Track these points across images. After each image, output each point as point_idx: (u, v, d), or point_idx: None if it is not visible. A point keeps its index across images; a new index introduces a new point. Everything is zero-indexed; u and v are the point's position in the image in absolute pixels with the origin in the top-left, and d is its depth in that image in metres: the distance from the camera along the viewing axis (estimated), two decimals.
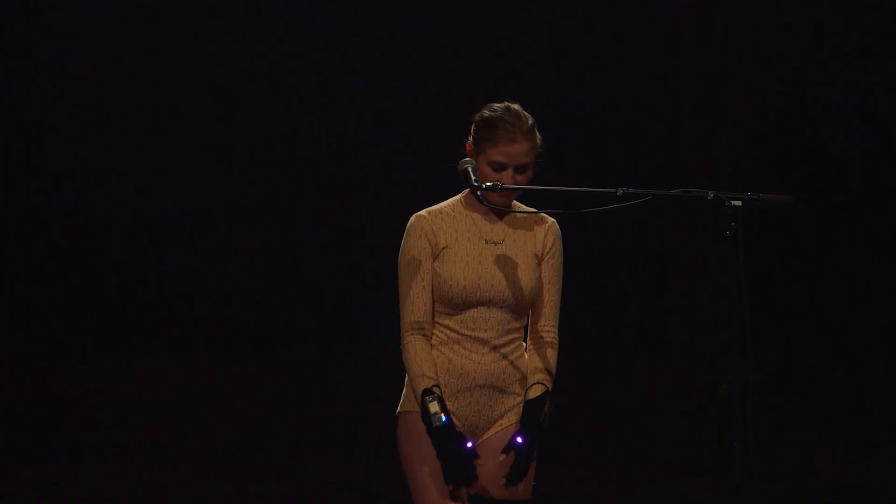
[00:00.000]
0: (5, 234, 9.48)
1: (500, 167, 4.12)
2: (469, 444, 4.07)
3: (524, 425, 4.14)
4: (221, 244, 9.65)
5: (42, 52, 9.43)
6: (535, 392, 4.21)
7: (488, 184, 4.11)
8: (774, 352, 9.33)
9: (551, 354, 4.25)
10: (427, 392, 4.09)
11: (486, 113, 4.17)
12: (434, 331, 4.19)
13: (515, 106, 4.19)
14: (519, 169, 4.13)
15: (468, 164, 4.13)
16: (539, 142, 4.20)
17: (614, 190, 4.09)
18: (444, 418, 4.06)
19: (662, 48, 9.61)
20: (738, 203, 4.03)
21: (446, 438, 4.05)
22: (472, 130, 4.19)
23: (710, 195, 4.06)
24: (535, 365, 4.23)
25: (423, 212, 4.22)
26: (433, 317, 4.19)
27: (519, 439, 4.11)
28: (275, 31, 9.48)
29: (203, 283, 9.66)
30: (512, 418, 4.18)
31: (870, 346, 9.59)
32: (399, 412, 4.21)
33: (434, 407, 4.07)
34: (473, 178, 4.10)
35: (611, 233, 9.53)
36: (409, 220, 4.21)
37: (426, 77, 9.02)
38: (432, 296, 4.18)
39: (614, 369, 9.72)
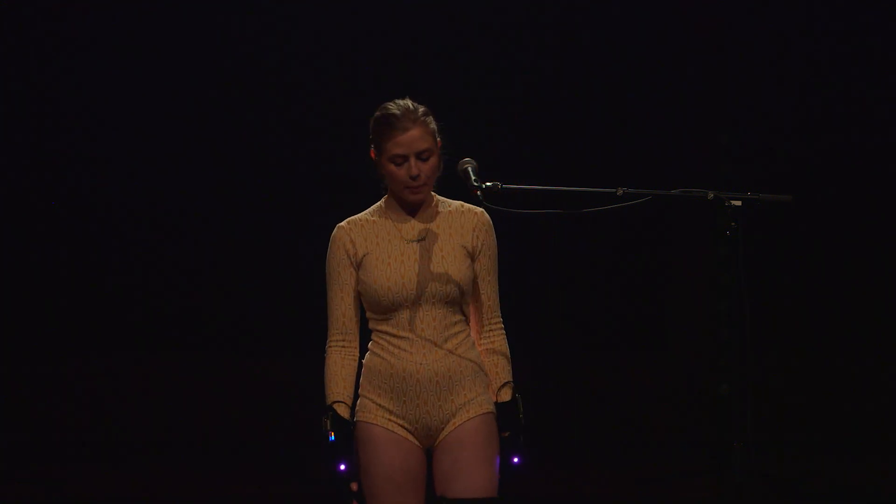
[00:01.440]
0: (5, 234, 9.49)
1: (401, 159, 4.09)
2: (342, 467, 4.08)
3: (512, 433, 4.16)
4: (222, 244, 9.65)
5: (43, 52, 9.44)
6: (506, 395, 4.20)
7: (488, 184, 4.10)
8: (775, 352, 9.34)
9: (504, 345, 4.23)
10: (328, 408, 4.12)
11: (376, 114, 4.16)
12: (374, 338, 4.17)
13: (404, 100, 4.16)
14: (420, 156, 4.09)
15: (468, 164, 4.12)
16: (435, 128, 4.14)
17: (614, 190, 4.08)
18: (332, 437, 4.08)
19: (663, 48, 9.62)
20: (738, 203, 4.03)
21: (331, 456, 4.08)
22: (370, 138, 4.17)
23: (710, 195, 4.06)
24: (494, 365, 4.22)
25: (343, 222, 4.23)
26: (367, 325, 4.19)
27: (515, 460, 4.13)
28: (275, 31, 9.49)
29: (203, 283, 9.67)
30: (464, 415, 4.12)
31: (870, 345, 9.59)
32: (354, 420, 4.18)
33: (327, 425, 4.10)
34: (473, 178, 4.09)
35: (611, 233, 9.53)
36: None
37: (426, 77, 9.02)
38: (358, 304, 4.18)
39: (614, 369, 9.72)
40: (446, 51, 9.32)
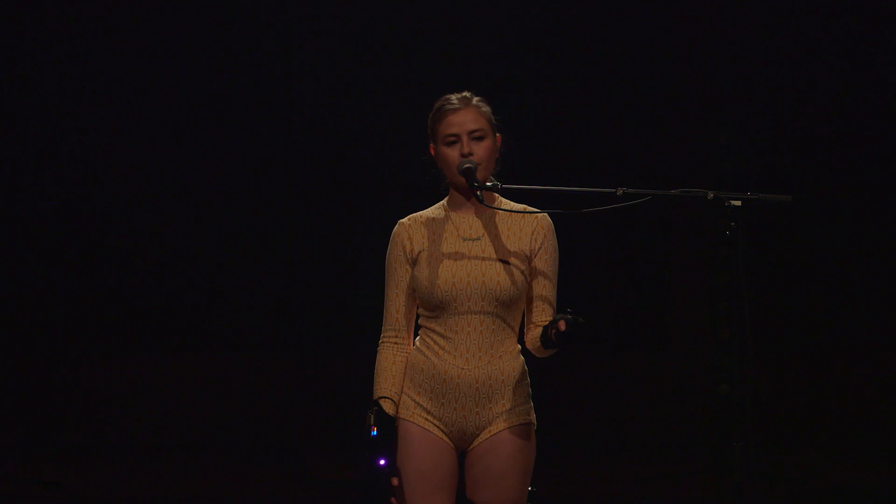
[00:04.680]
0: (5, 234, 9.49)
1: (454, 138, 4.08)
2: (381, 462, 4.04)
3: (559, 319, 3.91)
4: (222, 245, 9.65)
5: (43, 52, 9.44)
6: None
7: (488, 184, 4.09)
8: (775, 352, 9.34)
9: None
10: (374, 403, 4.10)
11: (434, 105, 4.17)
12: (421, 335, 4.15)
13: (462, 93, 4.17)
14: (473, 136, 4.08)
15: (469, 164, 4.09)
16: (490, 115, 4.14)
17: (614, 190, 4.07)
18: (374, 432, 4.05)
19: (662, 48, 9.62)
20: (738, 203, 4.02)
21: (371, 452, 4.04)
22: (428, 134, 4.17)
23: (710, 195, 4.05)
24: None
25: (404, 219, 4.20)
26: (417, 321, 4.16)
27: (561, 325, 3.88)
28: (276, 33, 9.49)
29: (204, 284, 9.67)
30: (501, 424, 4.08)
31: (870, 345, 9.59)
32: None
33: (370, 420, 4.07)
34: (474, 178, 4.07)
35: (611, 233, 9.53)
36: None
37: (423, 79, 9.03)
38: (412, 301, 4.15)
39: (614, 369, 9.72)
40: (446, 52, 9.33)
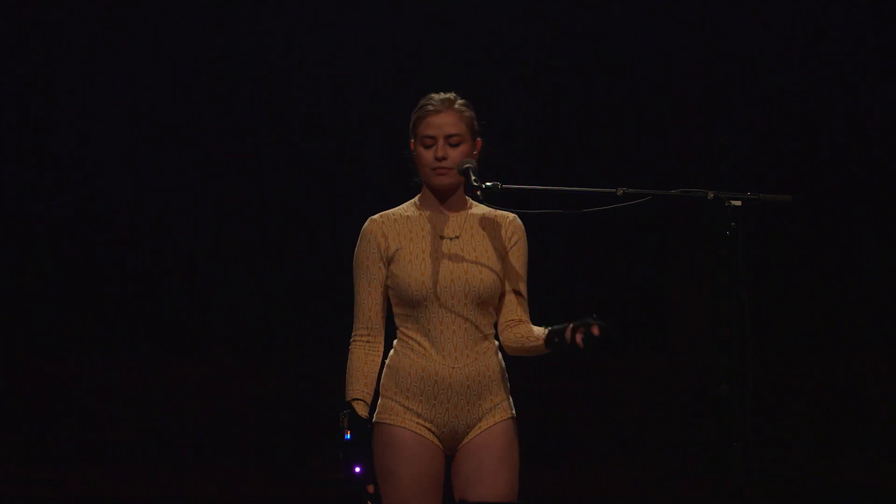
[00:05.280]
0: (5, 234, 9.48)
1: (431, 140, 4.09)
2: (357, 469, 4.03)
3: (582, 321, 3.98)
4: (220, 245, 9.65)
5: (42, 52, 9.43)
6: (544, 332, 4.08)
7: (488, 184, 4.08)
8: (775, 352, 9.33)
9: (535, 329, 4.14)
10: (345, 406, 4.11)
11: (418, 102, 4.17)
12: (399, 337, 4.15)
13: (448, 93, 4.17)
14: (450, 141, 4.08)
15: (468, 164, 4.10)
16: (472, 119, 4.14)
17: (614, 190, 4.07)
18: (347, 436, 4.05)
19: (662, 48, 9.61)
20: (738, 203, 4.02)
21: (346, 456, 4.05)
22: (410, 129, 4.17)
23: (710, 195, 4.05)
24: (530, 331, 4.11)
25: (375, 216, 4.19)
26: (394, 322, 4.16)
27: (595, 330, 3.95)
28: (273, 31, 9.49)
29: (203, 284, 9.66)
30: (490, 420, 4.10)
31: (870, 345, 9.59)
32: (374, 421, 4.16)
33: (344, 422, 4.08)
34: (473, 178, 4.07)
35: (611, 233, 9.53)
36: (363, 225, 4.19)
37: (422, 79, 9.01)
38: (386, 300, 4.15)
39: (615, 369, 9.71)
40: (446, 51, 9.32)
